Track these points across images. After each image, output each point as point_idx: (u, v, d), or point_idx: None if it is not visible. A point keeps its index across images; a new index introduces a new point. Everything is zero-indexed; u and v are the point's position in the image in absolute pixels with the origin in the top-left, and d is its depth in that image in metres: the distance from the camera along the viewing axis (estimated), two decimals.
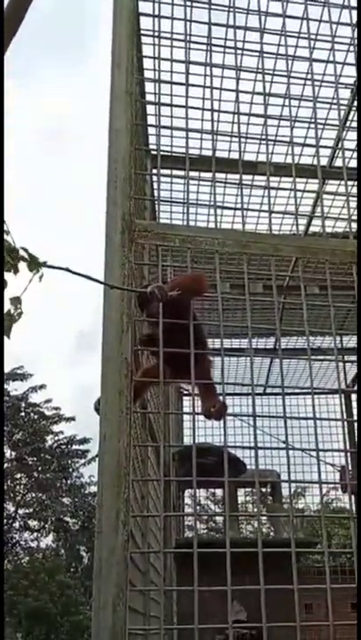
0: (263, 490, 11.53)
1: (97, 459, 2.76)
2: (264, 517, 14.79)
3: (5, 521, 23.91)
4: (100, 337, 2.82)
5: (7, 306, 2.19)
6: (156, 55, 3.71)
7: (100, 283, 2.72)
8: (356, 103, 4.73)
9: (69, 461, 25.29)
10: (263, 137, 3.69)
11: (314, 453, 3.13)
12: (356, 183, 4.01)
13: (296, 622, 2.63)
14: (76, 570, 25.29)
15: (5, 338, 2.17)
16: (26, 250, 2.22)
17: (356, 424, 3.24)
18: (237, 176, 3.54)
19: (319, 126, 3.75)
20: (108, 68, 3.37)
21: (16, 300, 2.21)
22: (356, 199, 3.53)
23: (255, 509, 17.40)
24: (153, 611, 4.53)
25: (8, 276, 2.19)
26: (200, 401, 3.18)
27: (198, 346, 3.01)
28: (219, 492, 18.11)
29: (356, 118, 4.79)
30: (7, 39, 2.48)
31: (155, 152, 4.59)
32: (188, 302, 3.17)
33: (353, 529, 2.84)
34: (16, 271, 2.19)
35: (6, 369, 23.90)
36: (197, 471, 2.82)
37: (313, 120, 3.72)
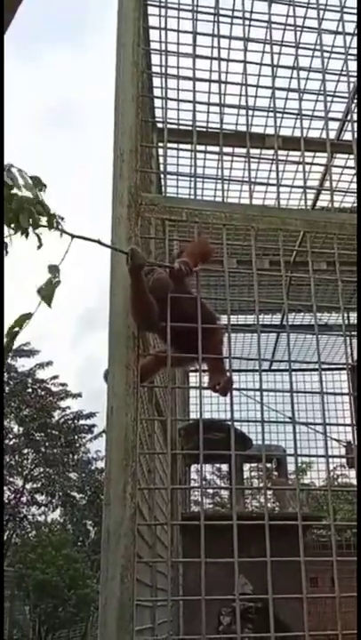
0: (268, 465, 11.59)
1: (103, 434, 2.78)
2: (269, 492, 14.90)
3: (13, 495, 24.15)
4: (105, 314, 2.82)
5: (46, 274, 2.22)
6: (163, 26, 3.66)
7: (124, 253, 2.70)
8: None
9: (76, 437, 25.44)
10: (271, 109, 3.64)
11: (319, 428, 3.13)
12: None
13: (302, 594, 2.65)
14: (82, 544, 25.58)
15: (46, 306, 2.20)
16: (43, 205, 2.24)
17: None
18: (245, 149, 3.51)
19: (328, 98, 3.69)
20: (114, 40, 3.33)
21: (54, 269, 2.23)
22: None
23: (261, 484, 17.51)
24: (159, 583, 4.57)
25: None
26: (208, 376, 3.17)
27: (206, 319, 2.99)
28: (224, 467, 18.20)
29: None
30: (8, 17, 2.45)
31: (161, 125, 4.55)
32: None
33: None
34: (36, 226, 2.21)
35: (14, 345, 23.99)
36: (204, 447, 2.83)
37: (322, 92, 3.67)
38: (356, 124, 4.65)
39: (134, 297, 2.75)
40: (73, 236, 2.32)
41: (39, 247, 2.27)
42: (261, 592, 2.78)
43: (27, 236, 2.26)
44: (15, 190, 2.22)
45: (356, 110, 4.76)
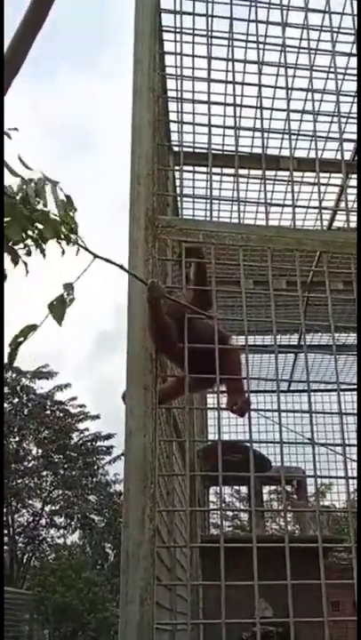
0: (288, 488, 11.49)
1: (122, 457, 2.79)
2: (289, 515, 14.73)
3: (32, 518, 24.12)
4: (121, 335, 2.85)
5: (60, 291, 2.24)
6: (178, 51, 3.71)
7: (144, 283, 2.72)
8: None
9: (94, 459, 25.42)
10: (286, 131, 3.67)
11: (339, 449, 3.11)
12: None
13: (323, 618, 2.61)
14: (102, 567, 25.45)
15: (56, 323, 2.22)
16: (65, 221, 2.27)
17: None
18: (260, 171, 3.53)
19: (342, 120, 3.71)
20: (130, 65, 3.38)
21: (68, 287, 2.26)
22: None
23: (280, 507, 17.37)
24: (179, 607, 4.53)
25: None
26: (226, 396, 3.17)
27: (221, 341, 2.99)
28: (243, 489, 18.08)
29: None
30: (29, 39, 2.49)
31: (177, 148, 4.59)
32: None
33: None
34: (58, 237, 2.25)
35: (32, 367, 24.10)
36: (222, 468, 2.82)
37: (336, 114, 3.69)
38: None
39: (153, 323, 2.78)
40: (95, 256, 2.34)
41: (63, 254, 2.30)
42: (282, 616, 2.75)
43: (43, 251, 2.29)
44: (41, 206, 2.25)
45: None
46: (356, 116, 4.46)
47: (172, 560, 4.43)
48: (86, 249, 2.34)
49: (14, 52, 2.30)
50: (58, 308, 2.24)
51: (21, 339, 2.24)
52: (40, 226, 2.26)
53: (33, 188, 2.24)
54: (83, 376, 45.92)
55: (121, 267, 2.52)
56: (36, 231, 2.25)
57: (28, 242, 2.25)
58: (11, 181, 2.26)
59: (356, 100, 4.29)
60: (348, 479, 3.06)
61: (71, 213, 2.33)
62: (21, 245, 2.24)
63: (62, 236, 2.30)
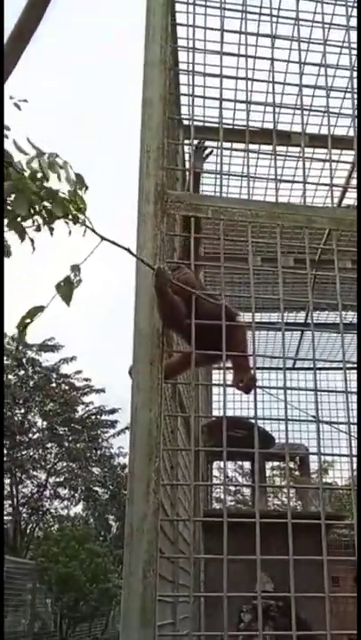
0: (291, 464, 11.56)
1: (126, 430, 2.81)
2: (292, 491, 14.83)
3: (37, 489, 24.34)
4: (127, 310, 2.85)
5: (67, 272, 2.24)
6: (190, 23, 3.66)
7: (151, 267, 2.71)
8: None
9: (99, 431, 25.56)
10: (298, 107, 3.63)
11: (343, 427, 3.12)
12: None
13: (325, 593, 2.64)
14: (104, 538, 25.72)
15: (64, 303, 2.22)
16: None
17: None
18: (271, 147, 3.50)
19: (355, 96, 3.67)
20: (141, 36, 3.34)
21: (75, 268, 2.25)
22: None
23: (283, 482, 17.44)
24: (181, 579, 4.59)
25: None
26: (232, 373, 3.18)
27: (228, 317, 3.00)
28: (246, 464, 18.19)
29: None
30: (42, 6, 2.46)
31: (187, 122, 4.55)
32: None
33: None
34: (66, 217, 2.24)
35: (38, 340, 24.15)
36: (227, 444, 2.83)
37: (349, 90, 3.64)
38: None
39: (161, 304, 2.78)
40: (103, 238, 2.33)
41: (70, 234, 2.29)
42: (283, 591, 2.78)
43: (51, 229, 2.28)
44: (51, 183, 2.24)
45: None
46: None
47: (174, 533, 4.47)
48: (93, 230, 2.33)
49: (24, 23, 2.27)
50: (65, 289, 2.24)
51: (28, 320, 2.24)
52: (47, 204, 2.25)
53: (46, 162, 2.23)
54: (89, 350, 46.01)
55: (128, 250, 2.51)
56: (45, 208, 2.25)
57: (37, 218, 2.24)
58: (20, 157, 2.24)
59: None
60: (351, 457, 3.07)
61: (81, 192, 2.32)
62: (30, 222, 2.23)
63: (70, 216, 2.29)
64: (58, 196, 2.24)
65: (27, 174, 2.21)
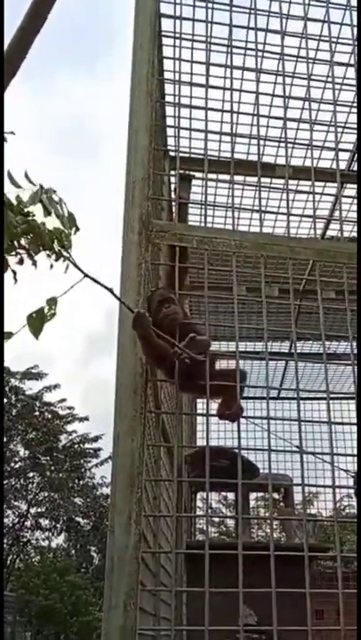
0: (275, 495, 11.48)
1: (109, 460, 2.78)
2: (276, 522, 14.71)
3: (17, 519, 23.99)
4: (111, 338, 2.84)
5: (42, 304, 2.22)
6: (177, 56, 3.72)
7: (131, 311, 2.71)
8: None
9: (82, 461, 25.33)
10: (282, 139, 3.68)
11: (327, 458, 3.11)
12: None
13: (307, 626, 2.61)
14: (86, 570, 25.36)
15: (33, 337, 2.20)
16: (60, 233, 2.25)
17: None
18: (255, 178, 3.54)
19: (339, 129, 3.73)
20: (128, 69, 3.39)
21: (52, 301, 2.24)
22: None
23: (267, 514, 17.31)
24: (163, 612, 4.51)
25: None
26: (218, 402, 3.17)
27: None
28: (230, 495, 18.06)
29: None
30: (26, 46, 2.49)
31: (173, 153, 4.60)
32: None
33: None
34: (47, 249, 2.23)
35: (21, 368, 24.02)
36: (210, 474, 2.81)
37: (333, 123, 3.70)
38: None
39: (144, 348, 2.77)
40: (85, 275, 2.32)
41: (51, 267, 2.28)
42: (266, 623, 2.75)
43: (34, 262, 2.28)
44: (48, 219, 2.23)
45: None
46: (353, 125, 4.48)
47: (156, 565, 4.41)
48: (76, 266, 2.31)
49: (13, 52, 2.30)
50: (36, 322, 2.22)
51: None
52: (24, 238, 2.24)
53: (45, 197, 2.22)
54: (72, 377, 45.77)
55: (110, 290, 2.48)
56: (25, 241, 2.24)
57: (21, 251, 2.24)
58: (11, 190, 2.24)
59: (352, 109, 4.31)
60: (334, 488, 3.06)
61: (72, 231, 2.32)
62: (13, 253, 2.23)
63: (53, 251, 2.28)
64: (39, 230, 2.23)
65: (11, 207, 2.20)
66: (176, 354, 2.74)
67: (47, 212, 2.24)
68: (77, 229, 2.34)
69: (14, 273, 2.23)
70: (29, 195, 2.24)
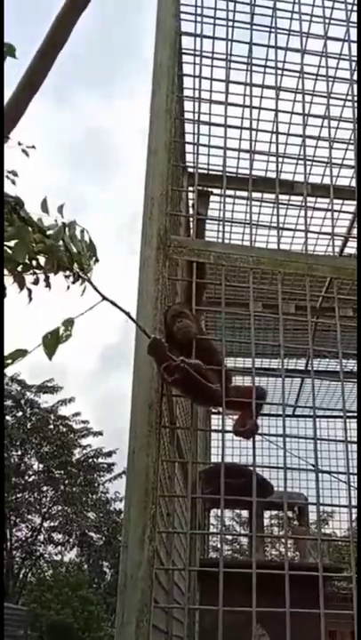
0: (290, 514, 11.38)
1: (123, 475, 2.78)
2: (290, 541, 14.58)
3: (30, 533, 23.95)
4: (126, 352, 2.85)
5: (58, 323, 2.22)
6: (197, 74, 3.74)
7: (148, 336, 2.72)
8: None
9: (95, 475, 25.29)
10: (301, 157, 3.69)
11: (343, 477, 3.08)
12: None
13: None
14: (98, 586, 25.22)
15: (47, 356, 2.20)
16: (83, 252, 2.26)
17: None
18: (273, 195, 3.55)
19: (358, 147, 3.73)
20: (149, 87, 3.42)
21: (68, 323, 2.23)
22: None
23: (281, 532, 17.16)
24: (175, 630, 4.48)
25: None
26: (234, 418, 3.17)
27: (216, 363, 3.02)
28: (244, 513, 17.94)
29: None
30: (52, 55, 2.51)
31: (192, 169, 4.61)
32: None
33: None
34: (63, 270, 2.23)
35: (36, 379, 24.11)
36: (225, 491, 2.80)
37: (352, 141, 3.71)
38: None
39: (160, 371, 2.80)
40: (104, 298, 2.32)
41: (68, 289, 2.29)
42: None
43: (48, 284, 2.28)
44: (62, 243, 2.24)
45: None
46: None
47: (169, 582, 4.38)
48: (96, 289, 2.31)
49: (34, 72, 2.32)
50: (51, 342, 2.22)
51: (9, 361, 2.22)
52: (42, 257, 2.24)
53: (66, 232, 2.24)
54: (86, 391, 45.78)
55: (128, 314, 2.49)
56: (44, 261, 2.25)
57: (37, 270, 2.24)
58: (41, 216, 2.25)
59: None
60: (350, 508, 3.03)
61: (92, 262, 2.33)
62: (30, 272, 2.23)
63: (71, 272, 2.29)
64: (56, 249, 2.24)
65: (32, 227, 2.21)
66: (178, 367, 2.74)
67: (68, 252, 2.24)
68: (97, 260, 2.34)
69: (29, 291, 2.24)
70: (53, 231, 2.24)
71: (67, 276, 2.29)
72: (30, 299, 2.24)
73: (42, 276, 2.25)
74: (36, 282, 2.24)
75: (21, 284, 2.22)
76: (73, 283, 2.29)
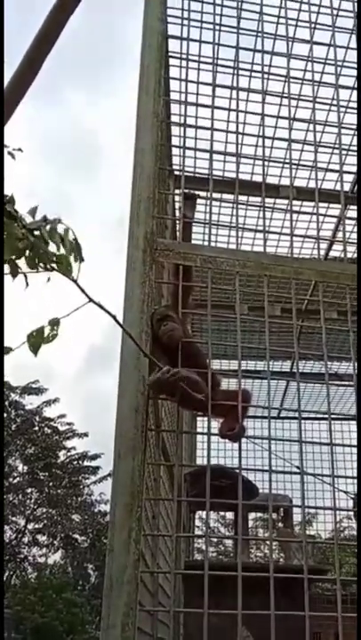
0: (274, 515, 11.41)
1: (108, 477, 2.77)
2: (275, 543, 14.59)
3: (15, 535, 23.82)
4: (111, 353, 2.85)
5: (43, 323, 2.21)
6: (184, 77, 3.75)
7: (134, 341, 2.72)
8: None
9: (80, 477, 25.21)
10: (287, 161, 3.71)
11: (328, 479, 3.10)
12: None
13: None
14: (83, 588, 25.10)
15: (32, 354, 2.19)
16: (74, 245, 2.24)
17: None
18: (259, 199, 3.56)
19: (343, 152, 3.75)
20: (135, 89, 3.42)
21: (54, 322, 2.22)
22: None
23: (266, 534, 17.19)
24: (160, 632, 4.47)
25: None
26: (220, 421, 3.19)
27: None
28: (229, 515, 17.95)
29: None
30: (40, 60, 2.50)
31: (178, 172, 4.62)
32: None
33: None
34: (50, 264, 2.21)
35: (20, 378, 23.99)
36: (210, 494, 2.80)
37: (337, 146, 3.73)
38: None
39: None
40: (90, 300, 2.30)
41: (48, 280, 2.25)
42: None
43: (26, 280, 2.26)
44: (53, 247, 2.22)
45: None
46: (356, 148, 4.50)
47: (154, 585, 4.38)
48: (82, 291, 2.29)
49: (23, 73, 2.31)
50: (35, 340, 2.20)
51: None
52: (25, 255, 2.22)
53: (47, 229, 2.21)
54: (71, 391, 45.62)
55: (114, 317, 2.47)
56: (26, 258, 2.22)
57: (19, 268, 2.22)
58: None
59: (356, 132, 4.34)
60: (335, 510, 3.05)
61: (77, 263, 2.30)
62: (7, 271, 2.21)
63: (53, 270, 2.26)
64: (39, 246, 2.21)
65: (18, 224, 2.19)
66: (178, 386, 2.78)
67: (46, 244, 2.21)
68: (82, 260, 2.31)
69: (25, 277, 2.21)
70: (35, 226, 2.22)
71: (48, 269, 2.26)
72: (27, 283, 2.20)
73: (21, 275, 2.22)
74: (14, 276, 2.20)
75: (15, 273, 2.18)
76: (48, 280, 2.26)
